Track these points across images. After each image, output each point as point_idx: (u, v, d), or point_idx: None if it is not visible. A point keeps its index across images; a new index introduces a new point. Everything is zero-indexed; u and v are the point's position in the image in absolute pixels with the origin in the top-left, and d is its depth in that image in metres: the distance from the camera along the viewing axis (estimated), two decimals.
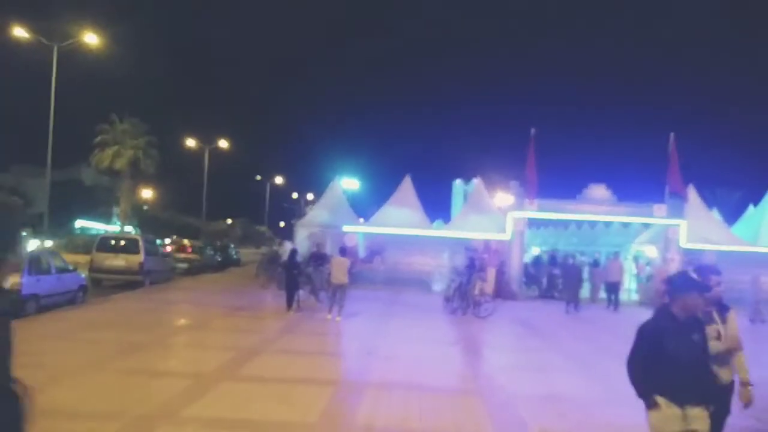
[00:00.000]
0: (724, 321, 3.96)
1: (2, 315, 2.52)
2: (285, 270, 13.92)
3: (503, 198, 25.05)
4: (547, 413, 6.01)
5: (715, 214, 23.34)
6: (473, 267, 15.77)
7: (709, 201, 24.82)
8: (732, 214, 26.19)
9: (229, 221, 67.26)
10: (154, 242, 20.42)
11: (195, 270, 23.99)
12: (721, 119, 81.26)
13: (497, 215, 22.39)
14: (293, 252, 13.91)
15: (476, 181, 24.41)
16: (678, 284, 3.69)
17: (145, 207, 54.66)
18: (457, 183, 30.19)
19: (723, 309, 4.02)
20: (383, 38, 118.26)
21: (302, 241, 22.10)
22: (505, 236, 20.47)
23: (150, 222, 47.74)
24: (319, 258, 15.89)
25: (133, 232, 37.86)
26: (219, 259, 29.48)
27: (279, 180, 65.24)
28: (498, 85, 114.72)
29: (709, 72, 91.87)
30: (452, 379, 7.44)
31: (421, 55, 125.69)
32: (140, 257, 17.18)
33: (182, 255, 24.69)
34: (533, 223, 25.78)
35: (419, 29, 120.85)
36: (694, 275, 3.78)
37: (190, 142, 41.44)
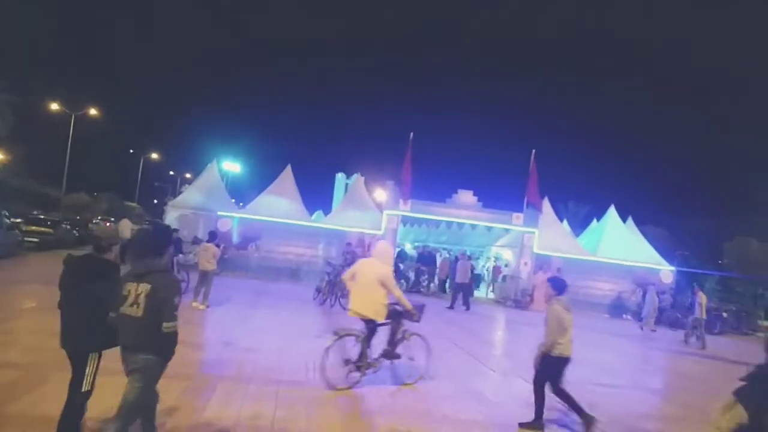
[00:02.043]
0: None
1: None
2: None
3: (381, 195, 25.93)
4: (396, 407, 6.46)
5: (565, 226, 26.12)
6: (345, 259, 16.27)
7: (561, 213, 27.71)
8: (579, 226, 29.45)
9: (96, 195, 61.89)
10: None
11: (47, 245, 21.88)
12: (576, 140, 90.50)
13: (374, 211, 23.14)
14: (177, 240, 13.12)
15: (356, 177, 24.98)
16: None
17: None
18: (340, 176, 30.65)
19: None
20: (276, 29, 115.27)
21: (172, 222, 21.14)
22: (379, 232, 21.26)
23: None
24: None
25: None
26: (77, 235, 27.11)
27: (155, 156, 61.28)
28: (382, 87, 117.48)
29: (566, 93, 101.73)
30: (311, 372, 7.56)
31: (311, 49, 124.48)
32: None
33: (32, 228, 22.40)
34: (407, 220, 26.97)
35: (310, 24, 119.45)
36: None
37: (55, 107, 37.58)
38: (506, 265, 23.91)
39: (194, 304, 11.63)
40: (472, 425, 6.25)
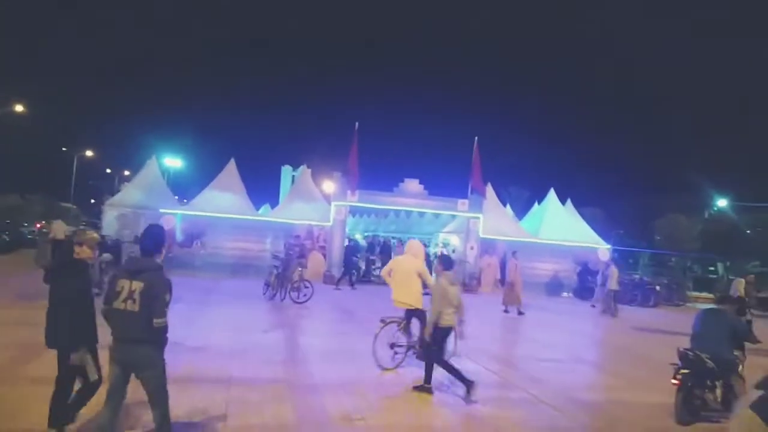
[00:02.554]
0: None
1: None
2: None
3: (329, 186, 25.85)
4: (351, 398, 6.52)
5: (508, 210, 26.90)
6: (293, 253, 16.17)
7: (504, 198, 28.49)
8: (521, 210, 30.37)
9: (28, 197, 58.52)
10: None
11: None
12: (515, 127, 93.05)
13: (322, 202, 23.07)
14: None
15: (303, 168, 24.79)
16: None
17: None
18: (286, 169, 30.31)
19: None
20: (216, 21, 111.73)
21: (111, 222, 20.37)
22: (328, 223, 21.24)
23: None
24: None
25: None
26: (6, 240, 25.66)
27: (89, 153, 58.46)
28: (326, 78, 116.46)
29: (508, 83, 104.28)
30: (262, 368, 7.57)
31: (253, 41, 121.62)
32: None
33: None
34: (356, 210, 27.07)
35: (251, 16, 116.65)
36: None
37: None
38: (453, 251, 24.42)
39: None
40: (424, 408, 6.44)
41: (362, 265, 22.38)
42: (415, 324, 7.93)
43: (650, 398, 7.60)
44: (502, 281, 20.18)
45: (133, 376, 4.18)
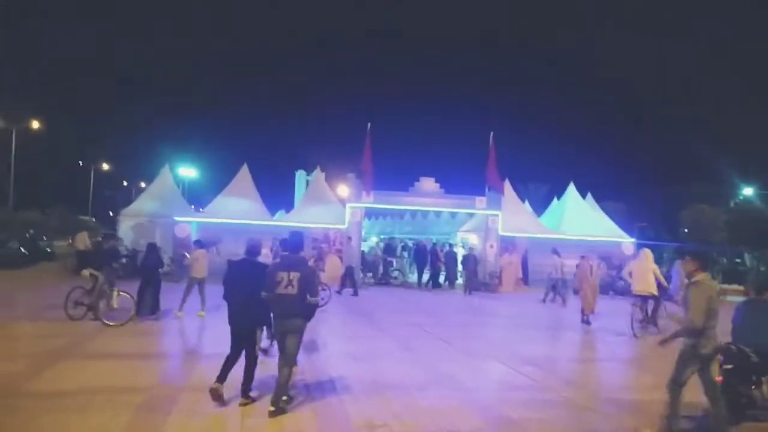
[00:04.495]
0: None
1: None
2: (141, 268, 12.18)
3: (343, 189, 25.58)
4: (373, 404, 6.21)
5: (527, 206, 26.36)
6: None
7: (522, 194, 27.94)
8: (540, 206, 29.78)
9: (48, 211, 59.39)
10: None
11: None
12: (533, 121, 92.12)
13: (337, 205, 22.80)
14: (153, 246, 12.30)
15: (317, 172, 24.56)
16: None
17: None
18: (300, 174, 30.09)
19: None
20: (226, 27, 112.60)
21: (126, 232, 20.34)
22: (343, 226, 20.95)
23: None
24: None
25: None
26: (26, 253, 25.86)
27: (106, 166, 59.12)
28: (338, 80, 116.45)
29: (523, 76, 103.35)
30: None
31: (263, 47, 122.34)
32: None
33: None
34: (371, 213, 26.75)
35: (263, 19, 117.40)
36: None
37: None
38: (471, 249, 23.98)
39: (179, 313, 11.61)
40: (451, 412, 6.08)
41: (380, 268, 22.07)
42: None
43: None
44: (525, 280, 19.70)
45: None
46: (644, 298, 11.79)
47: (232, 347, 5.97)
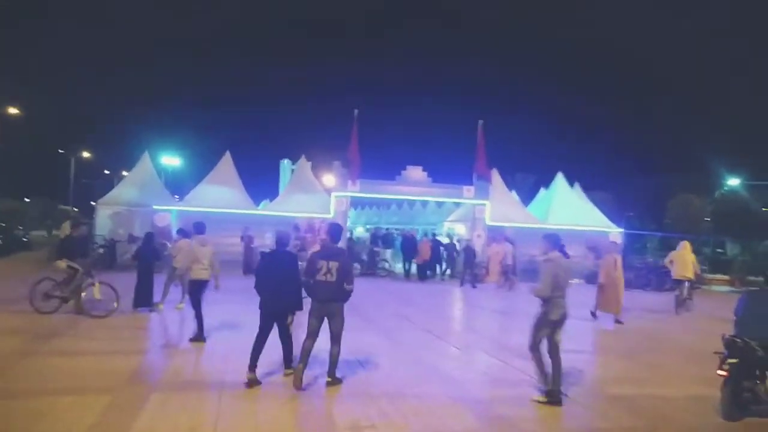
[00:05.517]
0: None
1: None
2: (136, 258, 11.30)
3: (329, 178, 25.09)
4: (359, 403, 5.88)
5: (514, 196, 26.09)
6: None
7: (509, 184, 27.66)
8: (528, 196, 29.57)
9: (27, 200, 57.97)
10: None
11: None
12: (521, 111, 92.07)
13: (322, 194, 22.33)
14: (150, 236, 11.71)
15: (301, 160, 24.04)
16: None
17: None
18: (285, 163, 29.54)
19: None
20: (209, 13, 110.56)
21: (104, 221, 19.70)
22: (328, 215, 20.50)
23: None
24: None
25: None
26: (0, 243, 25.06)
27: (87, 155, 57.71)
28: (323, 67, 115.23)
29: (511, 66, 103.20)
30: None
31: (246, 34, 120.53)
32: None
33: None
34: (358, 203, 26.32)
35: (248, 5, 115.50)
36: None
37: None
38: (458, 240, 23.69)
39: (159, 306, 11.04)
40: (441, 406, 5.73)
41: (364, 257, 21.68)
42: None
43: (689, 391, 6.88)
44: (513, 270, 19.44)
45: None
46: (682, 282, 13.86)
47: (261, 329, 6.36)
